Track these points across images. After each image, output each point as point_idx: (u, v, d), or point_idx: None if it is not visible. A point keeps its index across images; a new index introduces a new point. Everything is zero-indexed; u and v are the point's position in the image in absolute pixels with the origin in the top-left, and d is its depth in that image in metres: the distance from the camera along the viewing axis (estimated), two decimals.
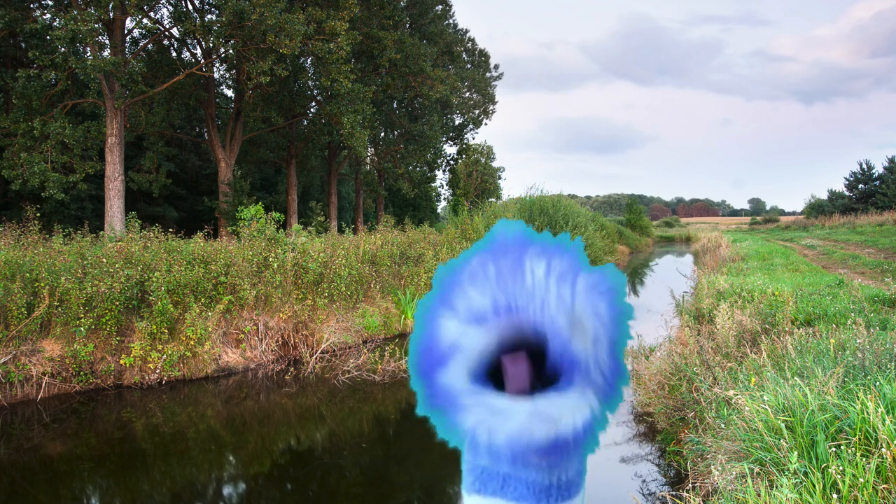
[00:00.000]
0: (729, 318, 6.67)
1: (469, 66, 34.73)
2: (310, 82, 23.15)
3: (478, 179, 34.64)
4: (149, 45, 19.15)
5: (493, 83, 36.34)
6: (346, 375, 8.67)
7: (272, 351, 9.76)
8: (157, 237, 10.19)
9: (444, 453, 5.74)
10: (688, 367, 5.86)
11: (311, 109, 24.87)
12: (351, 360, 9.34)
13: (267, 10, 15.66)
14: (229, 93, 26.10)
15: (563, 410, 0.38)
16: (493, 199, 32.93)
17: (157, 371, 8.30)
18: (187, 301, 8.86)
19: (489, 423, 0.38)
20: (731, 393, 4.17)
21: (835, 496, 2.72)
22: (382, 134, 30.48)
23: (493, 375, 0.41)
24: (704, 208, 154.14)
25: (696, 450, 4.45)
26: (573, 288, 0.38)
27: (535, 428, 0.38)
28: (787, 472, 3.09)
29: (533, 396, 0.39)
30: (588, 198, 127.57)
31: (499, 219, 0.40)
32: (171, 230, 11.06)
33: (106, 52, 16.36)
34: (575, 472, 0.42)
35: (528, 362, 0.40)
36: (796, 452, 3.12)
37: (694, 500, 3.39)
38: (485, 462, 0.40)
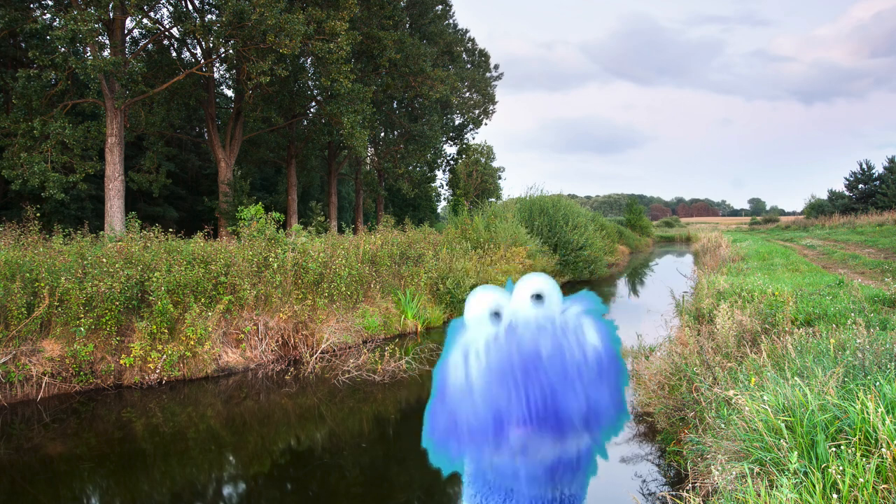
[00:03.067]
0: (729, 318, 6.67)
1: (469, 66, 34.72)
2: (310, 82, 23.15)
3: (478, 179, 34.65)
4: (149, 45, 19.15)
5: (493, 83, 36.33)
6: (346, 375, 8.67)
7: (272, 351, 9.76)
8: (157, 237, 10.19)
9: None
10: (688, 367, 5.86)
11: (311, 109, 24.87)
12: (351, 360, 9.34)
13: (267, 10, 15.66)
14: (229, 93, 26.11)
15: (567, 438, 0.40)
16: (493, 199, 32.94)
17: (157, 371, 8.30)
18: (187, 301, 8.85)
19: (498, 454, 0.40)
20: (731, 393, 4.16)
21: (835, 496, 2.72)
22: (382, 134, 30.48)
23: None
24: (704, 208, 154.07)
25: (696, 450, 4.45)
26: (582, 362, 0.39)
27: (542, 453, 0.39)
28: (787, 472, 3.09)
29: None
30: (588, 198, 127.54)
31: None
32: (171, 230, 11.06)
33: (106, 52, 16.36)
34: (578, 487, 0.42)
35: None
36: (796, 452, 3.12)
37: (694, 500, 3.39)
38: (491, 477, 0.40)
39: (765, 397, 3.80)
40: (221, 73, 23.50)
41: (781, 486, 2.92)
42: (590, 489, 0.44)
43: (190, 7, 19.88)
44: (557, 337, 0.38)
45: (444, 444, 0.41)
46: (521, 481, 0.40)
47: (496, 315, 0.39)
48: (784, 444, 3.33)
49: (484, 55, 35.97)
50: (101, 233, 11.69)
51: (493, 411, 0.38)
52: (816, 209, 48.26)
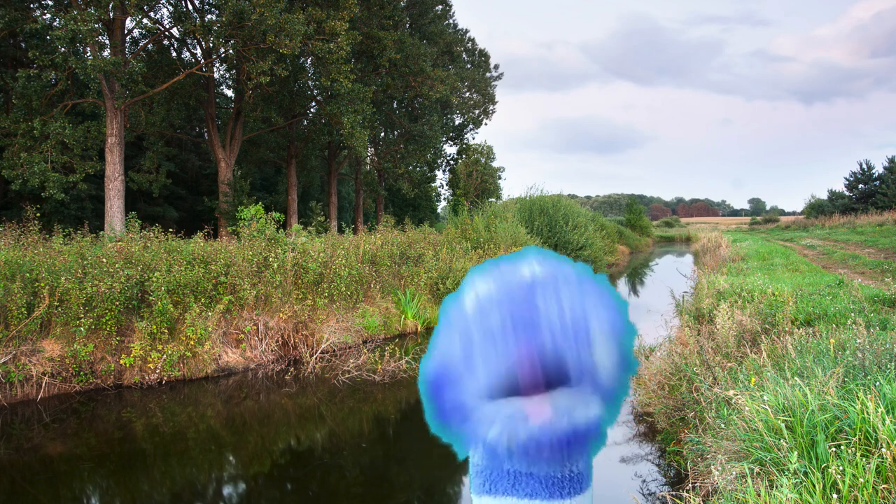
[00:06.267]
0: (729, 318, 6.67)
1: (469, 66, 34.71)
2: (310, 82, 23.15)
3: (478, 179, 34.65)
4: (149, 45, 19.15)
5: (493, 83, 36.33)
6: (346, 375, 8.67)
7: (272, 351, 9.76)
8: (157, 237, 10.19)
9: (443, 453, 5.74)
10: (688, 367, 5.85)
11: (311, 109, 24.86)
12: (351, 360, 9.34)
13: (267, 10, 15.66)
14: (229, 93, 26.11)
15: (576, 403, 0.40)
16: (493, 199, 32.94)
17: (157, 371, 8.30)
18: (187, 301, 8.85)
19: (510, 428, 0.40)
20: (731, 393, 4.16)
21: (835, 496, 2.72)
22: (382, 134, 30.48)
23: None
24: (704, 208, 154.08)
25: (696, 450, 4.45)
26: (585, 315, 0.40)
27: (554, 420, 0.39)
28: (787, 472, 3.09)
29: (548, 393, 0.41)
30: (588, 198, 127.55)
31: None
32: (171, 230, 11.06)
33: (106, 52, 16.36)
34: (585, 465, 0.42)
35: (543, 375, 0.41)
36: (796, 452, 3.12)
37: (694, 500, 3.39)
38: (505, 464, 0.41)
39: (765, 397, 3.80)
40: (221, 73, 23.50)
41: (781, 486, 2.92)
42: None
43: (190, 7, 19.88)
44: (553, 302, 0.39)
45: (453, 421, 0.41)
46: (535, 459, 0.41)
47: (494, 294, 0.40)
48: (784, 444, 3.33)
49: (484, 55, 35.97)
50: (101, 233, 11.69)
51: (495, 377, 0.39)
52: (816, 209, 48.26)
